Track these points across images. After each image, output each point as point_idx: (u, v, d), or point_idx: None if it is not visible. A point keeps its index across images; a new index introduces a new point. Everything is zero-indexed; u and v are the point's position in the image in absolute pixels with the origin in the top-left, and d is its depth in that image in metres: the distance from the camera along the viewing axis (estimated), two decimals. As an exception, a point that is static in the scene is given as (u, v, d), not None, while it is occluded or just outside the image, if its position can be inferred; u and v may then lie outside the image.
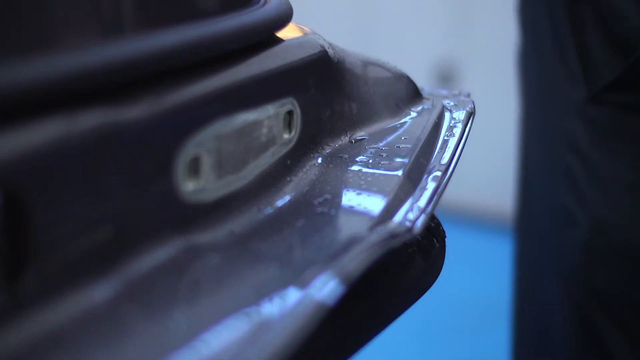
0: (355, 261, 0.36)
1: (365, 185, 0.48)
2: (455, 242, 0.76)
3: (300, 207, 0.46)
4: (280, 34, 0.50)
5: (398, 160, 0.50)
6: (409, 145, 0.52)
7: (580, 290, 0.87)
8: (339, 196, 0.47)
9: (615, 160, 0.84)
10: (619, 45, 0.81)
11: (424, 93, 0.61)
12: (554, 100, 0.91)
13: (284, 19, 0.49)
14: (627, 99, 0.82)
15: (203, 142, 0.41)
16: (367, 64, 0.58)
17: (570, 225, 0.88)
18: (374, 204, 0.45)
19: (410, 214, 0.44)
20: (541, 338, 0.95)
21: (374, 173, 0.49)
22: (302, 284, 0.35)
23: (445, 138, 0.53)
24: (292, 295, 0.34)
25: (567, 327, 0.89)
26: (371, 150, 0.52)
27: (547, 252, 0.93)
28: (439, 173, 0.48)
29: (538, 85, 0.94)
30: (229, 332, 0.32)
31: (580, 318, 0.87)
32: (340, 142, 0.53)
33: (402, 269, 0.49)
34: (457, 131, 0.54)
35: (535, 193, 0.96)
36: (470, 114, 0.57)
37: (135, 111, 0.37)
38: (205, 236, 0.40)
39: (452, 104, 0.59)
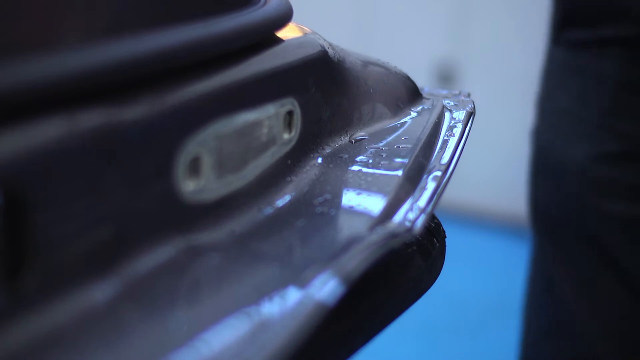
0: (355, 261, 0.36)
1: (365, 185, 0.48)
2: (455, 242, 0.76)
3: (301, 207, 0.46)
4: (280, 34, 0.50)
5: (398, 160, 0.50)
6: (409, 145, 0.52)
7: (529, 210, 0.99)
8: (339, 196, 0.47)
9: (560, 91, 0.94)
10: None
11: (424, 93, 0.61)
12: (546, 50, 1.01)
13: (284, 19, 0.49)
14: (576, 36, 0.91)
15: (203, 142, 0.41)
16: (367, 64, 0.58)
17: (530, 152, 1.00)
18: (374, 204, 0.45)
19: (410, 214, 0.44)
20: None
21: (374, 173, 0.49)
22: (302, 283, 0.35)
23: (445, 138, 0.53)
24: (292, 294, 0.34)
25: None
26: (371, 150, 0.52)
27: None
28: (439, 173, 0.48)
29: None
30: (229, 331, 0.33)
31: (533, 237, 0.99)
32: (340, 142, 0.53)
33: (402, 269, 0.49)
34: (457, 131, 0.54)
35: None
36: (470, 114, 0.57)
37: (135, 111, 0.37)
38: (206, 236, 0.40)
39: (452, 104, 0.59)
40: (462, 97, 0.60)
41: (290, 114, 0.48)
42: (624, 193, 0.88)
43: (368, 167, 0.50)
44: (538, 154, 0.97)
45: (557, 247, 0.95)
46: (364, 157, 0.51)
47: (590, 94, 0.90)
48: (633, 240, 0.89)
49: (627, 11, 0.85)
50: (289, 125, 0.48)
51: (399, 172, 0.49)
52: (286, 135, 0.48)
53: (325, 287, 0.34)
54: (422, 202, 0.45)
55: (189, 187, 0.40)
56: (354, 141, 0.54)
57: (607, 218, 0.89)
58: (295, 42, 0.51)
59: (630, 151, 0.87)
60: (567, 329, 0.94)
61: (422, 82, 0.64)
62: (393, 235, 0.41)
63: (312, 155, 0.51)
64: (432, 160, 0.50)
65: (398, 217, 0.44)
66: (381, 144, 0.53)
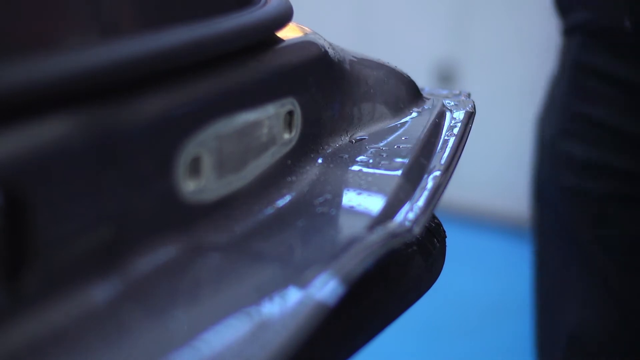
0: (356, 261, 0.36)
1: (366, 185, 0.48)
2: (456, 242, 0.76)
3: (301, 207, 0.46)
4: (280, 34, 0.50)
5: (398, 160, 0.50)
6: (409, 145, 0.52)
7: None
8: (340, 196, 0.47)
9: (554, 78, 1.03)
10: None
11: (424, 93, 0.61)
12: None
13: (284, 19, 0.49)
14: (562, 25, 1.00)
15: (203, 142, 0.41)
16: (367, 63, 0.58)
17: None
18: (374, 204, 0.45)
19: (410, 214, 0.44)
20: None
21: (374, 173, 0.49)
22: (303, 283, 0.35)
23: (446, 138, 0.53)
24: (293, 294, 0.34)
25: None
26: (371, 150, 0.52)
27: None
28: (439, 173, 0.48)
29: None
30: (230, 331, 0.33)
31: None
32: (340, 142, 0.53)
33: (402, 269, 0.49)
34: (457, 131, 0.54)
35: None
36: (471, 114, 0.57)
37: (135, 111, 0.37)
38: (206, 236, 0.40)
39: (452, 104, 0.59)
40: (462, 97, 0.60)
41: (290, 114, 0.48)
42: (578, 170, 0.97)
43: (368, 167, 0.50)
44: (535, 132, 1.07)
45: (541, 215, 1.04)
46: (364, 157, 0.51)
47: (558, 76, 1.00)
48: (585, 213, 0.97)
49: (586, 2, 0.94)
50: (289, 125, 0.48)
51: (399, 172, 0.49)
52: (286, 135, 0.48)
53: (326, 287, 0.34)
54: (422, 202, 0.45)
55: (189, 187, 0.40)
56: (354, 141, 0.54)
57: (563, 191, 0.98)
58: (295, 42, 0.51)
59: (582, 130, 0.96)
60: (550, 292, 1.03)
61: (422, 82, 0.64)
62: (393, 235, 0.41)
63: (312, 156, 0.51)
64: (432, 160, 0.51)
65: (398, 217, 0.44)
66: (381, 144, 0.53)
